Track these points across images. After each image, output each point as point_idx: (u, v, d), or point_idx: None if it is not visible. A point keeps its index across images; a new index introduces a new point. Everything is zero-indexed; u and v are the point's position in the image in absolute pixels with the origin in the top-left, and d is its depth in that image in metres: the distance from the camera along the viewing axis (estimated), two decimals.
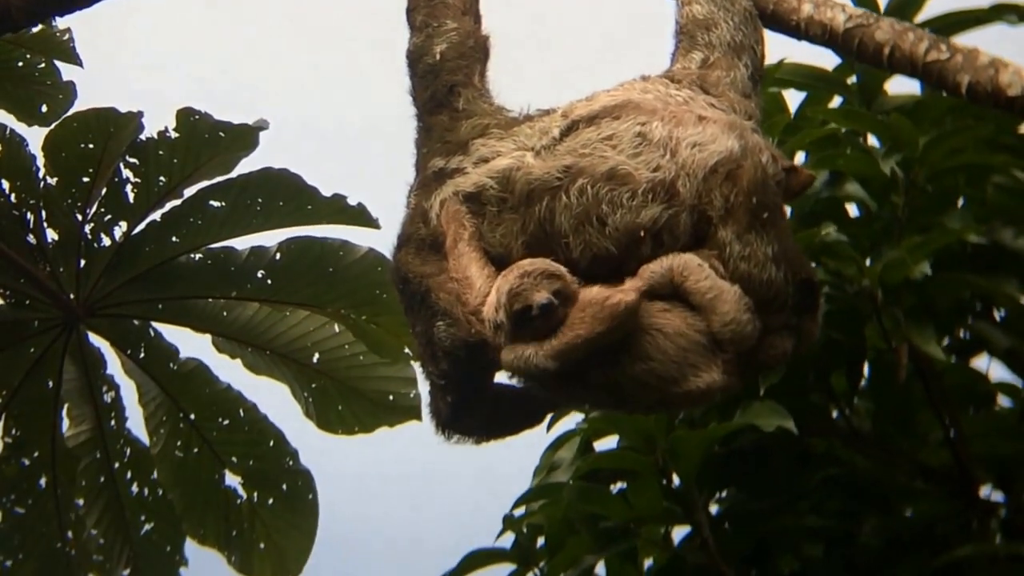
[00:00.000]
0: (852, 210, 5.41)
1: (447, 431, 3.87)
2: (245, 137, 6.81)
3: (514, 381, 3.76)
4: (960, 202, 5.35)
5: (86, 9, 4.71)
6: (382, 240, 7.06)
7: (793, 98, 5.57)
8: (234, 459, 7.15)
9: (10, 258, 6.68)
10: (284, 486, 7.15)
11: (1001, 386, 5.39)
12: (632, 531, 5.26)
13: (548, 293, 3.53)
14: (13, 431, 6.96)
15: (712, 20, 4.19)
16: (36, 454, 6.98)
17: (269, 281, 6.99)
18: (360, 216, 6.86)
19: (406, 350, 6.94)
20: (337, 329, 7.07)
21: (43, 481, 7.00)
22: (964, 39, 5.23)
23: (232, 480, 7.18)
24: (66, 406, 7.01)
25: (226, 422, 7.12)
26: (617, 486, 5.36)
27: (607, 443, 5.41)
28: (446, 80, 4.10)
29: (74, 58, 6.95)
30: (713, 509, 5.32)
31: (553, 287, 3.54)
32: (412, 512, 10.54)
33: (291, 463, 7.13)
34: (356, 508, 9.82)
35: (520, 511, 5.50)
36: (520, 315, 3.55)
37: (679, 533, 5.32)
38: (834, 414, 5.30)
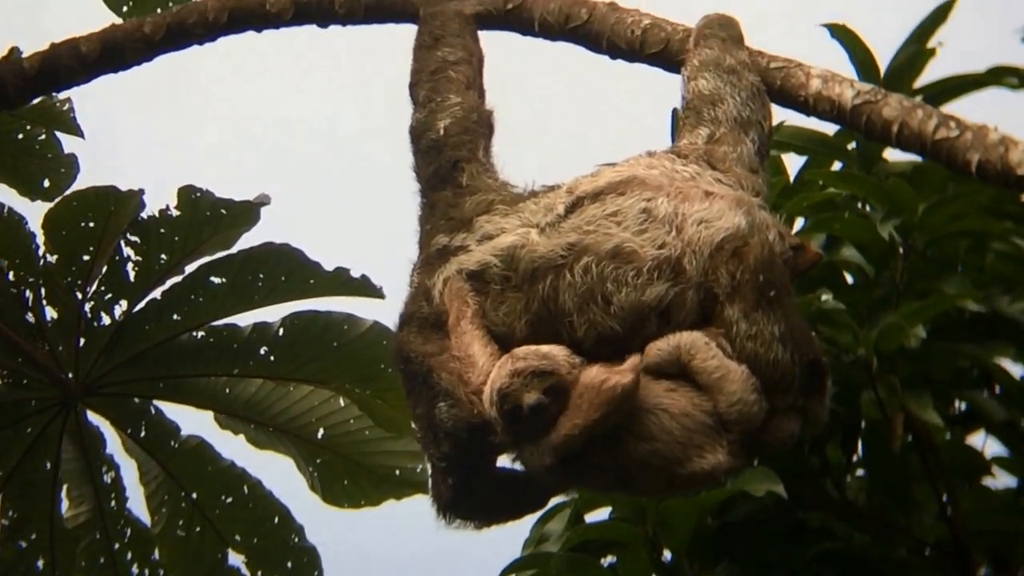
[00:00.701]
0: (849, 277, 5.36)
1: (448, 514, 3.80)
2: (246, 213, 6.81)
3: (516, 465, 3.70)
4: (959, 269, 5.30)
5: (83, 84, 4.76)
6: (389, 309, 7.09)
7: (793, 162, 5.56)
8: (237, 537, 7.08)
9: (8, 337, 6.65)
10: (289, 563, 7.08)
11: (998, 460, 5.32)
12: None
13: (538, 393, 3.49)
14: (11, 512, 6.90)
15: (719, 95, 4.17)
16: (34, 536, 6.91)
17: (272, 358, 6.95)
18: (363, 288, 6.84)
19: (412, 424, 6.85)
20: (342, 403, 7.03)
21: (41, 563, 6.93)
22: (963, 104, 5.27)
23: (236, 559, 7.11)
24: (65, 487, 6.96)
25: (229, 500, 7.07)
26: (608, 559, 5.27)
27: (599, 514, 5.34)
28: (450, 156, 4.09)
29: (74, 129, 6.94)
30: None
31: (544, 385, 3.50)
32: None
33: (296, 540, 7.07)
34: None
35: None
36: (511, 415, 3.52)
37: None
38: (829, 487, 5.23)
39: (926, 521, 5.18)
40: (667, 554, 5.06)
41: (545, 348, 3.57)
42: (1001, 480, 5.33)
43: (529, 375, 3.51)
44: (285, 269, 6.83)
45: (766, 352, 3.59)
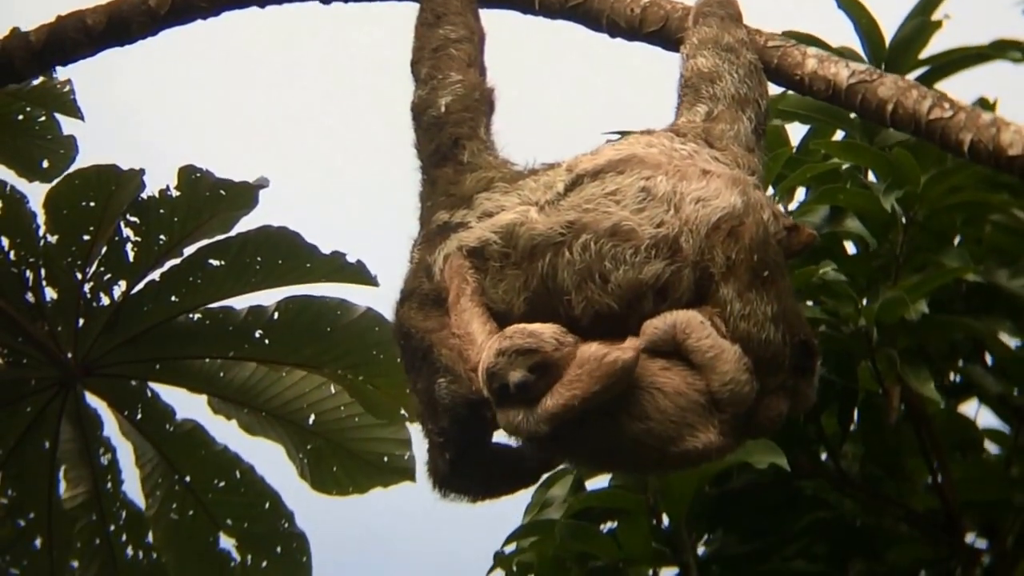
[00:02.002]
0: (850, 247, 5.41)
1: (444, 488, 3.83)
2: (245, 195, 6.80)
3: (511, 440, 3.73)
4: (957, 240, 5.36)
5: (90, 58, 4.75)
6: (382, 297, 7.11)
7: (796, 132, 5.60)
8: (229, 521, 7.08)
9: (8, 316, 6.64)
10: (278, 548, 7.08)
11: (989, 432, 5.40)
12: (621, 571, 5.25)
13: (523, 370, 3.51)
14: (9, 491, 6.89)
15: (717, 73, 4.19)
16: (32, 515, 6.90)
17: (267, 341, 6.94)
18: (358, 274, 6.83)
19: (402, 411, 6.89)
20: (333, 390, 7.02)
21: (38, 542, 6.92)
22: (966, 76, 5.28)
23: (226, 543, 7.11)
24: (63, 467, 6.95)
25: (221, 484, 7.06)
26: (608, 525, 5.34)
27: (600, 481, 5.41)
28: (451, 133, 4.10)
29: (75, 111, 6.92)
30: (701, 551, 5.32)
31: (529, 363, 3.52)
32: (407, 557, 10.47)
33: (286, 525, 7.07)
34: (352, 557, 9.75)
35: (511, 547, 5.47)
36: (500, 392, 3.55)
37: (667, 574, 5.32)
38: (823, 456, 5.29)
39: (917, 491, 5.25)
40: (666, 521, 5.10)
41: (532, 326, 3.60)
42: (992, 449, 5.41)
43: (514, 353, 3.53)
44: (283, 252, 6.82)
45: (759, 332, 3.61)
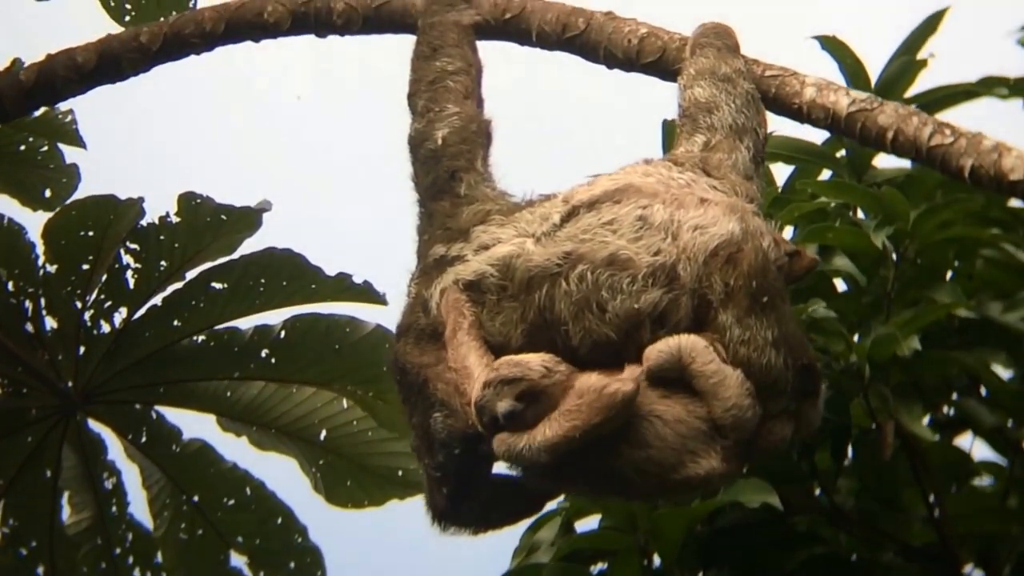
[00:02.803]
0: (839, 284, 5.37)
1: (443, 522, 3.83)
2: (248, 219, 6.79)
3: (510, 471, 3.73)
4: (948, 275, 5.33)
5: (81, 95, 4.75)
6: (391, 315, 7.09)
7: (781, 172, 5.56)
8: (240, 539, 7.06)
9: (7, 347, 6.63)
10: (292, 564, 7.06)
11: (985, 464, 5.37)
12: None
13: (510, 400, 3.51)
14: (10, 521, 6.87)
15: (714, 103, 4.19)
16: (34, 544, 6.88)
17: (274, 360, 6.92)
18: (365, 293, 6.81)
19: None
20: (345, 405, 7.00)
21: (40, 570, 6.91)
22: (954, 112, 5.28)
23: (238, 560, 7.09)
24: (66, 493, 6.94)
25: (231, 502, 7.04)
26: (598, 567, 5.27)
27: (589, 523, 5.34)
28: (448, 166, 4.10)
29: (77, 140, 6.93)
30: None
31: (515, 391, 3.52)
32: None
33: (300, 540, 7.05)
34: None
35: None
36: (491, 425, 3.56)
37: None
38: (816, 491, 5.26)
39: (913, 524, 5.22)
40: (657, 561, 5.07)
41: (520, 356, 3.60)
42: (988, 479, 5.38)
43: (499, 383, 3.53)
44: (287, 274, 6.80)
45: (759, 357, 3.60)
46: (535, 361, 3.57)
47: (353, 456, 7.01)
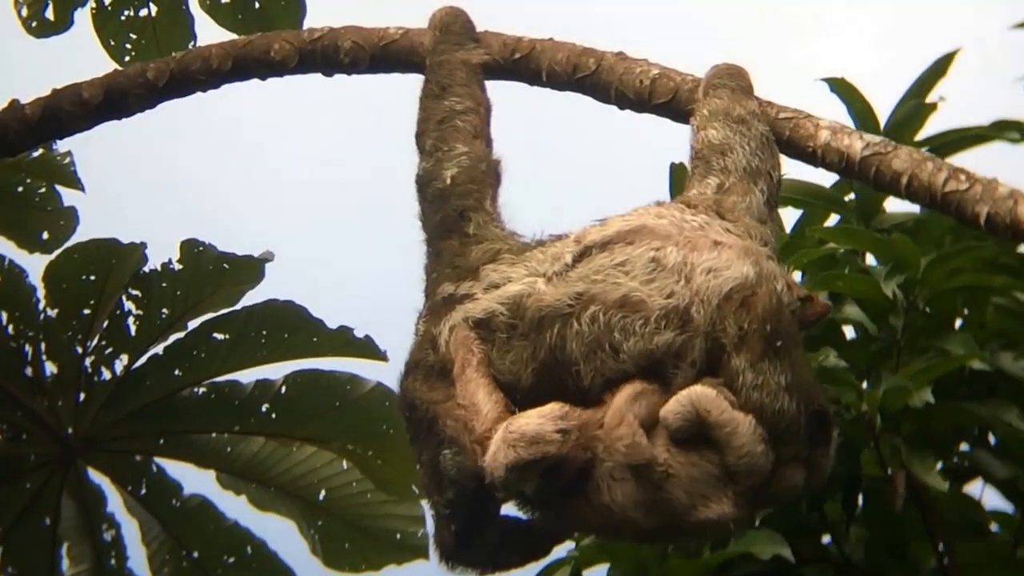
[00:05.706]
0: (848, 331, 5.36)
1: (452, 561, 3.77)
2: (250, 269, 6.80)
3: (521, 513, 3.70)
4: (958, 324, 5.32)
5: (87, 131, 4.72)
6: (391, 371, 7.06)
7: (788, 215, 5.56)
8: None
9: (7, 391, 6.62)
10: None
11: (995, 514, 5.33)
12: None
13: (535, 480, 3.51)
14: (9, 569, 6.85)
15: (728, 145, 4.15)
16: None
17: (274, 415, 6.92)
18: (366, 348, 6.81)
19: (413, 488, 6.86)
20: (345, 466, 6.99)
21: None
22: (965, 157, 5.26)
23: None
24: (65, 544, 6.91)
25: (232, 560, 7.01)
26: None
27: (598, 572, 5.31)
28: (456, 205, 4.07)
29: (75, 182, 6.93)
30: None
31: (539, 470, 3.50)
32: None
33: None
34: None
35: None
36: (520, 499, 3.63)
37: None
38: (825, 540, 5.23)
39: (923, 575, 5.17)
40: None
41: (532, 427, 3.53)
42: (995, 527, 5.34)
43: (522, 468, 3.49)
44: (289, 326, 6.81)
45: (772, 402, 3.56)
46: (549, 429, 3.52)
47: (352, 518, 6.98)
